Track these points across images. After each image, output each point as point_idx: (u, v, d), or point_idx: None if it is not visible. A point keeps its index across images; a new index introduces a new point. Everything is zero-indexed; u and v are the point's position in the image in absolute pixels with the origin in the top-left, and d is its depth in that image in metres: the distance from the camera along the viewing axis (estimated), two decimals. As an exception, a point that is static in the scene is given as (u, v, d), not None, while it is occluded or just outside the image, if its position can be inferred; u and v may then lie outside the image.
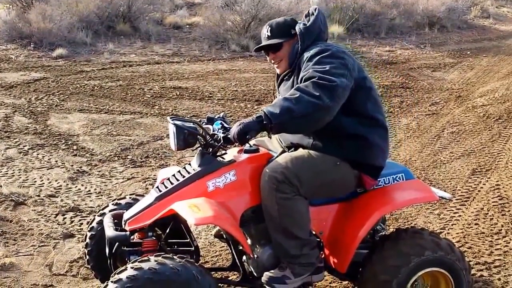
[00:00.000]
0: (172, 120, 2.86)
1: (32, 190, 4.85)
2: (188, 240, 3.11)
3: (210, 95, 8.22)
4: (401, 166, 3.34)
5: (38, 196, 4.74)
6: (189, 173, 2.86)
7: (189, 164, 2.95)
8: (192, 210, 2.63)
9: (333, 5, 13.68)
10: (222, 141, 2.80)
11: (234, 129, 2.63)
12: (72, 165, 5.44)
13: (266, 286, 2.92)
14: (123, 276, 2.41)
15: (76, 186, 4.98)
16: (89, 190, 4.89)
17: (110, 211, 3.15)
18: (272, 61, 3.01)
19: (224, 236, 3.13)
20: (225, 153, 2.95)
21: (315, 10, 3.00)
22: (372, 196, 2.98)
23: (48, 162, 5.51)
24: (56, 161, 5.53)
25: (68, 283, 3.50)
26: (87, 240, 3.20)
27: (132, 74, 9.26)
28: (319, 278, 3.00)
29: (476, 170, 5.41)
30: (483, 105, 7.86)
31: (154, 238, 2.92)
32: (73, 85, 8.40)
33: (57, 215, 4.42)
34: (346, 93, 2.66)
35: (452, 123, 7.09)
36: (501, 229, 4.20)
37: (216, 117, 3.08)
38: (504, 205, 4.62)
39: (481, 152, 5.95)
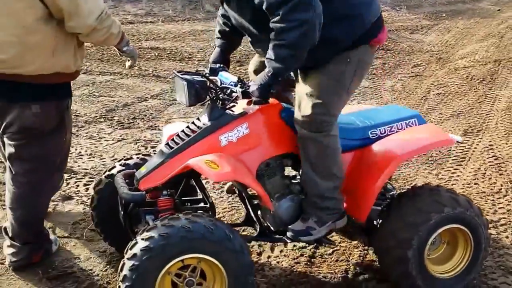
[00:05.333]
0: (181, 75, 2.71)
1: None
2: (201, 197, 3.01)
3: (190, 56, 8.00)
4: (412, 110, 3.23)
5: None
6: (199, 128, 2.70)
7: (198, 119, 2.80)
8: (210, 167, 2.50)
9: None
10: (241, 96, 2.68)
11: (261, 79, 2.53)
12: (56, 127, 5.19)
13: (287, 241, 2.86)
14: (155, 233, 2.28)
15: (65, 148, 4.76)
16: (80, 152, 4.68)
17: (118, 172, 2.99)
18: None
19: (237, 191, 3.03)
20: (234, 106, 2.81)
21: None
22: (388, 142, 2.88)
23: (31, 123, 5.25)
24: (40, 123, 5.28)
25: (74, 245, 3.34)
26: (95, 202, 3.03)
27: (106, 34, 8.89)
28: (343, 223, 2.88)
29: (468, 131, 5.42)
30: (465, 67, 7.85)
31: (169, 196, 2.80)
32: (46, 44, 8.02)
33: (50, 177, 4.22)
34: None
35: (436, 84, 7.07)
36: (501, 189, 4.20)
37: (218, 66, 2.93)
38: (500, 164, 4.63)
39: (469, 113, 5.95)
